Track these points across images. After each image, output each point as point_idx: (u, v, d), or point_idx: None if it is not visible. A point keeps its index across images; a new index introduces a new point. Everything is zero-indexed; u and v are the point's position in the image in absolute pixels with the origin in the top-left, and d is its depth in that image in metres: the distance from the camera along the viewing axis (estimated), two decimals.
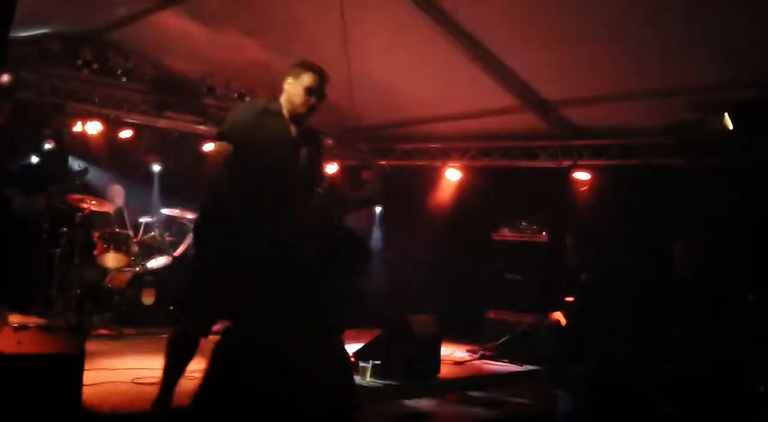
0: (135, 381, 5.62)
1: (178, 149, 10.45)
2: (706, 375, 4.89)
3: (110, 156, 9.86)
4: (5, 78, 7.61)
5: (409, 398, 6.51)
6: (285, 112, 4.65)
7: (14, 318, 7.35)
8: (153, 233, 9.42)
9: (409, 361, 6.86)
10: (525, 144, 9.43)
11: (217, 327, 4.58)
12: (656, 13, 5.97)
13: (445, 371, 7.40)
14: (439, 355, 7.41)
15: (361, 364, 6.72)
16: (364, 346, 6.95)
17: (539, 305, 8.62)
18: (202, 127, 9.39)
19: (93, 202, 8.69)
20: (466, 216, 10.08)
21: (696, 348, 5.00)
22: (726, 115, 6.80)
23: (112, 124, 9.12)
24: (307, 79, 4.63)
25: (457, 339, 8.93)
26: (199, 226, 4.62)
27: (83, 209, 8.58)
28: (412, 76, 8.08)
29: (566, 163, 9.14)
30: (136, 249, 9.11)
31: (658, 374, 5.16)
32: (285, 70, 4.71)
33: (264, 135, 4.52)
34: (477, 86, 7.84)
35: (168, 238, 9.54)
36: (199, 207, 4.59)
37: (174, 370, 4.50)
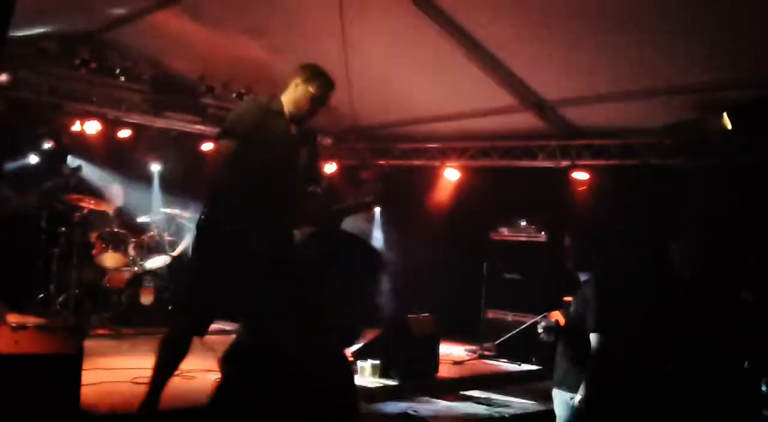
0: (133, 380, 5.61)
1: (177, 149, 10.44)
2: (706, 375, 4.88)
3: (109, 155, 9.85)
4: (3, 77, 7.59)
5: (407, 398, 6.51)
6: (286, 111, 4.64)
7: (12, 318, 7.33)
8: (152, 233, 9.41)
9: (408, 361, 6.87)
10: (524, 144, 9.43)
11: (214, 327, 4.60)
12: (655, 13, 5.97)
13: (443, 371, 7.41)
14: (438, 355, 7.41)
15: (360, 364, 6.72)
16: (363, 346, 6.95)
17: (538, 305, 8.63)
18: (200, 127, 9.39)
19: (92, 202, 8.69)
20: (465, 216, 10.08)
21: (696, 348, 4.99)
22: (725, 114, 6.81)
23: (111, 124, 9.11)
24: (317, 87, 4.64)
25: (455, 338, 8.93)
26: (201, 225, 4.58)
27: (82, 209, 8.58)
28: (411, 75, 8.08)
29: (565, 163, 9.13)
30: (134, 249, 9.11)
31: (658, 374, 5.15)
32: (293, 70, 4.69)
33: (267, 134, 4.52)
34: (476, 86, 7.84)
35: (167, 238, 9.54)
36: (201, 205, 4.57)
37: (165, 371, 4.48)
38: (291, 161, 4.69)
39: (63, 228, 8.54)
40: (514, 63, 7.39)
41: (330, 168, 10.68)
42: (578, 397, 4.60)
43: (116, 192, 9.60)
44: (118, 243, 8.95)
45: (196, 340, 4.54)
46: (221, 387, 2.28)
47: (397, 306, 8.15)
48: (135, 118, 9.11)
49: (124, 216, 9.55)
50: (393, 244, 10.83)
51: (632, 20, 6.12)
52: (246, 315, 4.58)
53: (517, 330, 8.53)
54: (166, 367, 4.48)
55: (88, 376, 4.79)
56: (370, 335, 7.06)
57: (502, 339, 8.56)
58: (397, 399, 6.43)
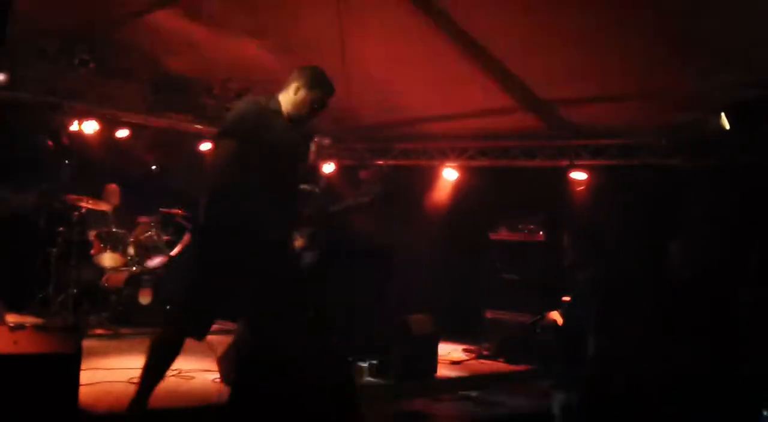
0: (132, 380, 5.60)
1: (176, 148, 10.43)
2: (706, 375, 4.88)
3: (108, 155, 9.85)
4: (1, 77, 7.59)
5: (406, 397, 6.51)
6: (284, 111, 4.64)
7: (11, 318, 7.33)
8: (150, 232, 9.40)
9: (407, 361, 6.86)
10: (522, 144, 9.43)
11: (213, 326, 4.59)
12: (654, 13, 5.97)
13: (442, 371, 7.41)
14: (437, 355, 7.41)
15: (359, 364, 6.72)
16: (361, 346, 6.94)
17: (536, 305, 8.64)
18: (199, 127, 9.38)
19: (90, 202, 8.68)
20: (464, 216, 10.08)
21: (696, 348, 5.00)
22: (723, 114, 6.81)
23: (110, 124, 9.11)
24: (319, 94, 4.64)
25: (454, 338, 8.93)
26: (202, 225, 4.55)
27: (80, 208, 8.58)
28: (410, 75, 8.08)
29: (564, 163, 9.14)
30: (132, 248, 9.10)
31: (658, 374, 5.15)
32: (295, 73, 4.67)
33: (267, 134, 4.50)
34: (474, 86, 7.84)
35: (165, 238, 9.53)
36: (200, 206, 4.55)
37: (156, 371, 4.47)
38: (291, 162, 4.69)
39: (61, 228, 8.53)
40: (513, 62, 7.39)
41: (329, 168, 10.68)
42: (576, 397, 4.61)
43: (114, 191, 9.59)
44: (116, 243, 8.95)
45: (196, 340, 4.53)
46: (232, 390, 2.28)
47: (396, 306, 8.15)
48: (134, 118, 9.11)
49: (123, 216, 9.54)
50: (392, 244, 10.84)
51: (631, 20, 6.13)
52: (247, 315, 4.59)
53: (515, 330, 8.53)
54: (158, 367, 4.47)
55: (86, 376, 4.79)
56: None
57: (501, 339, 8.56)
58: (395, 399, 6.43)
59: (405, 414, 6.03)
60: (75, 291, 8.29)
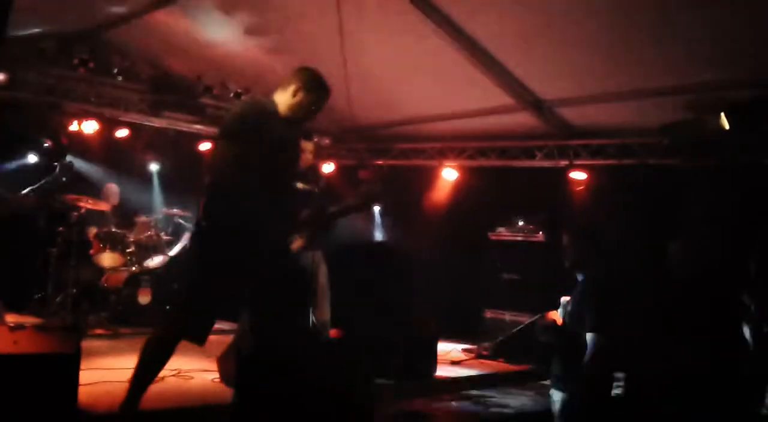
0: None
1: (175, 148, 10.44)
2: (706, 375, 4.87)
3: (107, 155, 9.86)
4: (1, 77, 7.59)
5: (406, 397, 6.50)
6: (281, 112, 4.63)
7: (10, 318, 7.33)
8: (149, 232, 9.40)
9: (407, 361, 6.86)
10: (522, 144, 9.44)
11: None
12: (654, 13, 5.97)
13: (441, 370, 7.40)
14: (436, 355, 7.40)
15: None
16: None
17: (536, 304, 8.64)
18: (198, 127, 9.38)
19: (89, 201, 8.68)
20: (463, 216, 10.08)
21: (696, 348, 4.99)
22: (722, 114, 6.81)
23: (109, 123, 9.11)
24: (317, 97, 4.63)
25: (454, 338, 8.93)
26: (202, 226, 4.53)
27: (79, 208, 8.57)
28: (409, 75, 8.08)
29: (563, 163, 9.15)
30: (132, 248, 9.10)
31: (658, 374, 5.14)
32: (294, 74, 4.66)
33: (266, 135, 4.50)
34: (474, 86, 7.84)
35: (165, 237, 9.53)
36: (200, 206, 4.53)
37: (150, 371, 4.45)
38: (288, 162, 4.69)
39: (61, 228, 8.53)
40: (512, 62, 7.39)
41: (328, 168, 10.68)
42: (576, 397, 4.60)
43: (113, 191, 9.59)
44: (115, 243, 8.95)
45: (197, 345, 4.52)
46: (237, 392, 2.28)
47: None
48: (133, 118, 9.11)
49: (122, 216, 9.54)
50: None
51: (630, 19, 6.13)
52: (247, 315, 4.58)
53: (515, 329, 8.53)
54: (152, 367, 4.46)
55: (85, 376, 4.78)
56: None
57: (500, 338, 8.56)
58: (394, 399, 6.43)
59: (405, 414, 6.03)
60: (74, 291, 8.29)
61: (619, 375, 6.78)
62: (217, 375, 5.89)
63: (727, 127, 6.77)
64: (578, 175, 9.09)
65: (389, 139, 10.43)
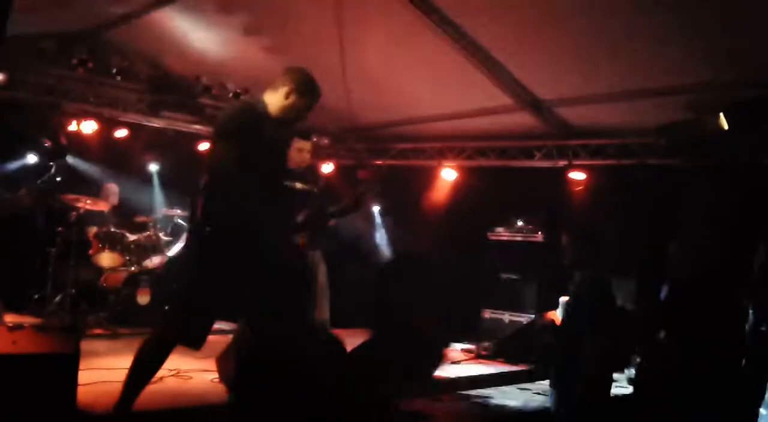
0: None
1: (174, 148, 10.43)
2: (706, 375, 4.88)
3: (106, 155, 9.85)
4: (0, 77, 7.59)
5: (406, 397, 6.49)
6: (271, 112, 4.60)
7: (9, 318, 7.32)
8: (148, 232, 9.40)
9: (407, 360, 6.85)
10: (521, 144, 9.43)
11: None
12: (653, 13, 5.96)
13: (441, 370, 7.39)
14: (440, 355, 7.39)
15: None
16: (360, 346, 6.93)
17: (535, 305, 8.64)
18: (198, 127, 9.38)
19: (88, 201, 8.68)
20: (462, 216, 10.08)
21: (696, 348, 4.99)
22: (722, 114, 6.81)
23: (108, 123, 9.11)
24: (309, 99, 4.63)
25: (453, 338, 8.92)
26: (200, 228, 4.51)
27: (78, 208, 8.57)
28: (408, 75, 8.07)
29: (562, 163, 9.14)
30: (131, 248, 9.09)
31: (658, 374, 5.15)
32: (285, 75, 4.65)
33: (260, 136, 4.50)
34: (473, 86, 7.83)
35: (164, 237, 9.52)
36: (198, 206, 4.52)
37: (147, 372, 4.44)
38: (281, 162, 4.70)
39: (60, 228, 8.52)
40: (511, 63, 7.39)
41: (327, 168, 10.68)
42: (575, 397, 4.60)
43: (112, 191, 9.58)
44: (114, 243, 8.95)
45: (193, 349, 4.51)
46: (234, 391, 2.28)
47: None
48: (132, 118, 9.10)
49: (121, 216, 9.54)
50: (390, 244, 10.86)
51: (630, 19, 6.12)
52: (247, 315, 4.58)
53: (514, 329, 8.53)
54: (149, 368, 4.45)
55: (84, 376, 4.78)
56: (367, 335, 7.04)
57: (500, 338, 8.56)
58: (394, 399, 6.41)
59: (405, 414, 6.02)
60: (73, 291, 8.28)
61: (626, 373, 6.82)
62: (216, 375, 5.88)
63: (726, 127, 6.77)
64: (577, 175, 9.09)
65: (388, 139, 10.43)
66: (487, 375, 7.77)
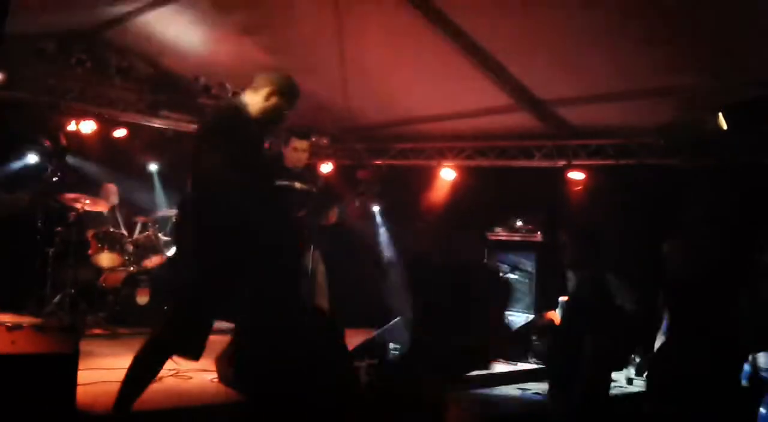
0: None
1: (174, 148, 10.42)
2: (706, 375, 4.88)
3: (105, 155, 9.84)
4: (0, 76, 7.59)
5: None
6: (251, 113, 4.58)
7: (8, 318, 7.31)
8: (148, 232, 9.38)
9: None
10: (520, 143, 9.43)
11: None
12: (652, 13, 5.97)
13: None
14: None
15: (357, 363, 6.70)
16: (359, 345, 6.94)
17: (535, 305, 8.64)
18: (197, 127, 9.36)
19: (87, 201, 8.66)
20: (461, 216, 10.07)
21: (696, 348, 4.99)
22: (720, 114, 6.80)
23: (107, 123, 9.10)
24: (289, 102, 4.62)
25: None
26: (197, 229, 4.49)
27: (77, 208, 8.56)
28: (407, 75, 8.07)
29: (561, 163, 9.14)
30: (130, 248, 9.08)
31: (659, 374, 5.15)
32: (268, 77, 4.62)
33: (247, 137, 4.49)
34: (472, 85, 7.83)
35: (163, 237, 9.51)
36: (193, 208, 4.49)
37: (148, 373, 4.43)
38: (267, 164, 4.71)
39: (59, 228, 8.51)
40: (511, 62, 7.39)
41: (326, 168, 10.67)
42: (576, 397, 4.60)
43: (112, 191, 9.57)
44: (114, 243, 8.93)
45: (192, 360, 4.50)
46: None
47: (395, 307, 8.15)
48: (131, 118, 9.10)
49: (120, 216, 9.53)
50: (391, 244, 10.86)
51: (629, 19, 6.12)
52: (246, 315, 4.57)
53: (513, 329, 8.53)
54: (150, 369, 4.44)
55: (84, 376, 4.77)
56: (367, 335, 7.04)
57: (501, 339, 8.55)
58: None
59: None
60: (72, 291, 8.27)
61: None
62: (215, 375, 5.88)
63: (725, 127, 6.77)
64: (577, 175, 9.08)
65: (388, 138, 10.42)
66: (487, 375, 7.76)
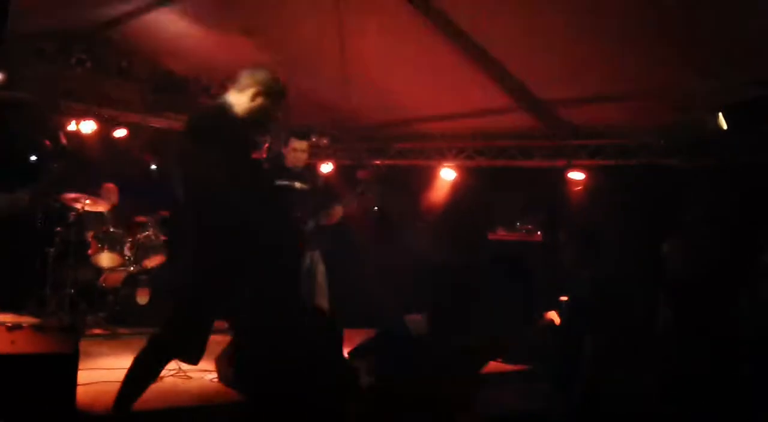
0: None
1: (174, 148, 10.42)
2: (706, 375, 4.88)
3: (106, 154, 9.84)
4: (0, 76, 7.58)
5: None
6: (237, 114, 4.56)
7: (8, 318, 7.32)
8: (148, 232, 9.38)
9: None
10: (520, 143, 9.42)
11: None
12: (652, 13, 5.96)
13: None
14: None
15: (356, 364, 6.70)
16: (359, 345, 6.93)
17: (535, 305, 8.63)
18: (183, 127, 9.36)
19: (87, 201, 8.66)
20: (462, 216, 10.07)
21: (696, 348, 4.99)
22: (720, 114, 6.80)
23: (108, 123, 9.10)
24: (276, 102, 4.60)
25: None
26: (195, 230, 4.50)
27: (77, 208, 8.56)
28: (408, 75, 8.07)
29: (561, 163, 9.14)
30: (130, 248, 9.08)
31: (659, 374, 5.14)
32: (250, 76, 4.58)
33: (235, 137, 4.48)
34: (473, 85, 7.83)
35: (163, 237, 9.51)
36: (190, 209, 4.49)
37: (148, 373, 4.43)
38: (256, 164, 4.70)
39: (59, 228, 8.51)
40: (511, 62, 7.39)
41: (327, 168, 10.67)
42: (575, 397, 4.60)
43: (112, 191, 9.57)
44: (113, 243, 8.93)
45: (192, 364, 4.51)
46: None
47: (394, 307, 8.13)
48: (132, 118, 9.10)
49: (120, 216, 9.52)
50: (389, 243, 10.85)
51: (629, 19, 6.12)
52: (245, 315, 4.58)
53: (513, 329, 8.51)
54: (150, 370, 4.44)
55: (84, 376, 4.78)
56: (365, 335, 7.03)
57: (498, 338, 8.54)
58: None
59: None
60: (72, 291, 8.28)
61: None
62: (215, 375, 5.88)
63: (725, 127, 6.77)
64: (577, 175, 9.08)
65: (388, 138, 10.42)
66: (487, 375, 7.76)
